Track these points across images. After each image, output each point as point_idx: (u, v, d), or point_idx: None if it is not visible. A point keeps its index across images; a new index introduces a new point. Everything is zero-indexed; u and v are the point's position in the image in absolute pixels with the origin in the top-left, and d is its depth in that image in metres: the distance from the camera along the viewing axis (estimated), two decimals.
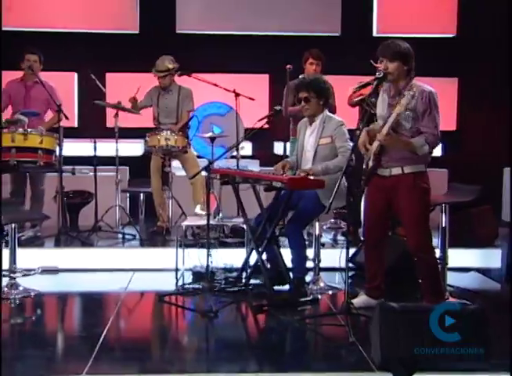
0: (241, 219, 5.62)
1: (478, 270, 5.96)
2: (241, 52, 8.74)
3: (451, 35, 8.84)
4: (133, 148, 8.25)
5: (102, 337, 4.23)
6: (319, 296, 5.16)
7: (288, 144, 6.68)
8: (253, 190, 5.24)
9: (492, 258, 5.97)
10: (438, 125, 4.44)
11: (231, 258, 5.78)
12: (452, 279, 5.29)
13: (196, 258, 5.67)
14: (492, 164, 8.33)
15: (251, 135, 5.28)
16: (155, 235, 6.63)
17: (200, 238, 6.04)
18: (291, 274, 5.11)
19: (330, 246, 6.37)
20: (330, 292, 5.35)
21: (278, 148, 8.65)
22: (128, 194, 7.57)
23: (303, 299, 5.01)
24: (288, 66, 6.46)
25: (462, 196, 5.04)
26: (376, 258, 4.83)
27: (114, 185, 6.95)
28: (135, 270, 5.86)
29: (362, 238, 6.16)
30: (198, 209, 6.12)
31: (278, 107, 5.37)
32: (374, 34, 8.94)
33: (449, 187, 5.40)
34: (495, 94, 8.60)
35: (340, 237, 6.80)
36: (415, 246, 4.52)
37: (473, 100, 8.67)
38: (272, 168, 5.43)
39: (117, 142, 6.49)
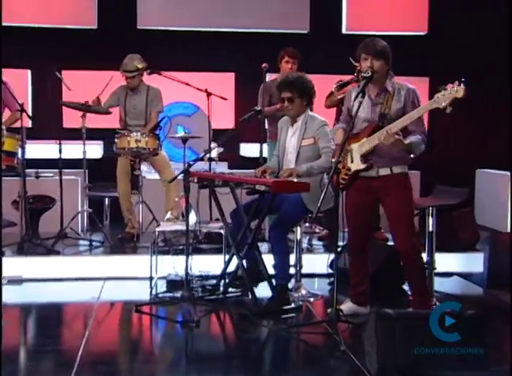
0: (218, 224, 5.65)
1: (460, 275, 6.10)
2: (205, 50, 8.76)
3: (422, 33, 9.01)
4: (92, 150, 8.16)
5: (81, 350, 4.20)
6: (301, 303, 5.22)
7: (265, 146, 6.72)
8: (232, 194, 5.27)
9: (473, 262, 6.12)
10: (424, 123, 4.62)
11: (207, 265, 5.80)
12: (435, 284, 5.40)
13: (169, 265, 5.67)
14: (463, 165, 8.53)
15: (230, 137, 5.28)
16: (124, 242, 6.59)
17: (173, 244, 6.03)
18: (274, 281, 5.14)
19: (307, 251, 6.42)
20: (312, 299, 5.40)
21: (244, 150, 8.70)
22: (87, 199, 7.47)
23: (287, 307, 5.05)
24: (264, 65, 6.54)
25: (449, 199, 5.16)
26: (361, 264, 4.93)
27: (77, 189, 6.87)
28: (105, 279, 5.82)
29: (340, 243, 6.27)
30: (169, 215, 6.11)
31: (258, 107, 5.41)
32: (343, 31, 9.07)
33: (434, 190, 5.52)
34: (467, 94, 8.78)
35: (315, 242, 6.87)
36: (406, 247, 4.62)
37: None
38: (243, 171, 5.46)
39: (84, 144, 6.42)
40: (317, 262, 6.00)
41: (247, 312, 4.91)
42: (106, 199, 7.12)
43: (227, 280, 5.38)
